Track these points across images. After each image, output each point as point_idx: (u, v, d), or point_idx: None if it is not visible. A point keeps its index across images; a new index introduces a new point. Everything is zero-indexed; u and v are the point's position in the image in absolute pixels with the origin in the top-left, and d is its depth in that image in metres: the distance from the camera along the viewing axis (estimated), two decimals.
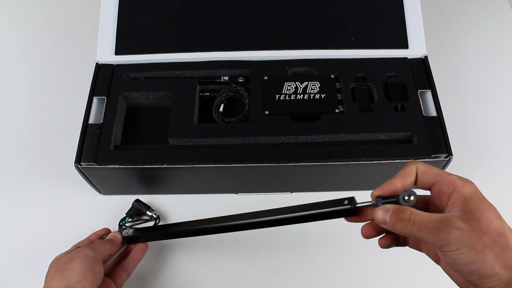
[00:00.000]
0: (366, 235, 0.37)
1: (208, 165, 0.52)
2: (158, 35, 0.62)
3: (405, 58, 0.60)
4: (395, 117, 0.55)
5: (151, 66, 0.60)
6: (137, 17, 0.62)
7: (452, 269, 0.32)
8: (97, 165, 0.53)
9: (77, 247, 0.50)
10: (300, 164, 0.52)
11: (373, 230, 0.37)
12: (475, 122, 0.69)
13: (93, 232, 0.55)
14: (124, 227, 0.58)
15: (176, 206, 0.61)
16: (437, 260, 0.36)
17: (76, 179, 0.57)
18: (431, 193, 0.34)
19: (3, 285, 0.55)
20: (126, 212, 0.59)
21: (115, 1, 0.62)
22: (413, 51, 0.60)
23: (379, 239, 0.38)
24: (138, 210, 0.60)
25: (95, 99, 0.57)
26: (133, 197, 0.60)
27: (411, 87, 0.57)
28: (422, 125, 0.55)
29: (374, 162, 0.52)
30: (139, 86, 0.59)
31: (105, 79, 0.59)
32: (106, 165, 0.52)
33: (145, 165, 0.52)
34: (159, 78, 0.60)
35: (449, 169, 0.55)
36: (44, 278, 0.46)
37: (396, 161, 0.52)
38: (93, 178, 0.57)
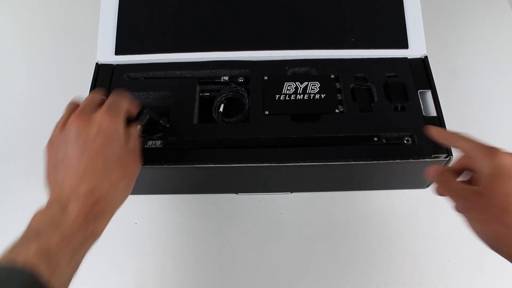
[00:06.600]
0: None
1: (208, 165, 0.52)
2: (158, 35, 0.62)
3: (405, 58, 0.60)
4: (395, 117, 0.55)
5: (151, 66, 0.60)
6: (137, 17, 0.62)
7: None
8: None
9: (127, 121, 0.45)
10: (300, 164, 0.52)
11: None
12: (475, 122, 0.69)
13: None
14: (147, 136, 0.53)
15: (176, 206, 0.61)
16: None
17: None
18: None
19: None
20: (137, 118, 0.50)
21: (115, 1, 0.62)
22: (413, 51, 0.60)
23: None
24: (150, 118, 0.52)
25: None
26: (133, 197, 0.60)
27: (411, 87, 0.57)
28: (422, 125, 0.54)
29: (374, 162, 0.52)
30: (139, 86, 0.59)
31: (105, 79, 0.59)
32: None
33: (145, 165, 0.52)
34: (159, 78, 0.60)
35: None
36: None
37: (396, 161, 0.52)
38: None
